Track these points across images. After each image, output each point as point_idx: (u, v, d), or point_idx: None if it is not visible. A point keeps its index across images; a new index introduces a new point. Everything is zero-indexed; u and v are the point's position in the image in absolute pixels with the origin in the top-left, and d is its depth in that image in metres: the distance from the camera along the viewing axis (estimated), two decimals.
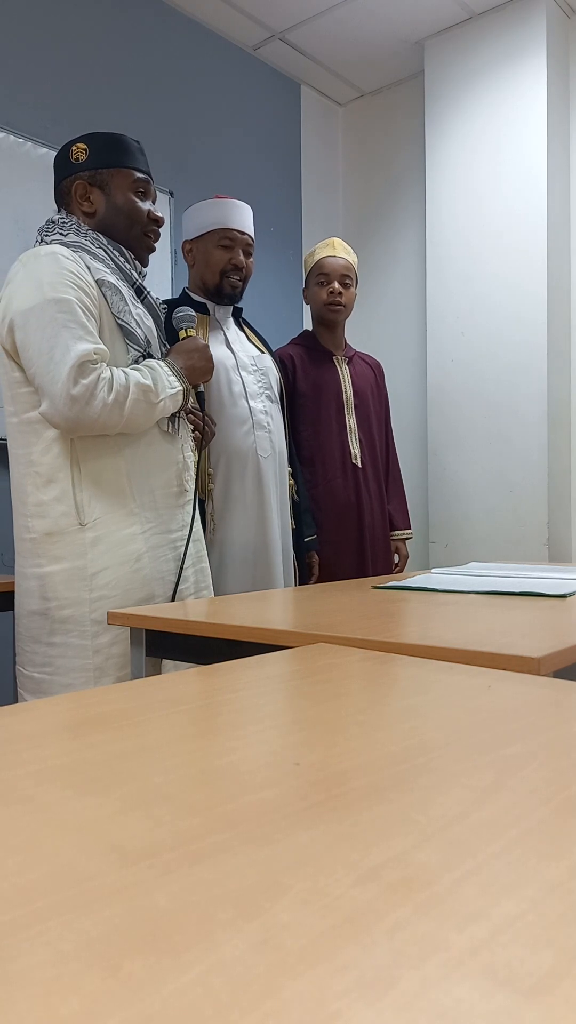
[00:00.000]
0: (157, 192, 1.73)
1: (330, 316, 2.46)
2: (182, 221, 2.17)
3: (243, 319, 2.22)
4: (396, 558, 2.63)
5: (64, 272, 1.46)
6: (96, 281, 1.50)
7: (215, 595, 2.00)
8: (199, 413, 1.78)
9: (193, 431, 1.79)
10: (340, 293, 2.44)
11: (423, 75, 3.43)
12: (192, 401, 1.71)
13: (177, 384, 1.58)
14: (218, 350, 2.06)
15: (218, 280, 2.08)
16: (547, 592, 1.32)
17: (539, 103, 3.04)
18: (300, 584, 2.23)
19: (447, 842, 0.38)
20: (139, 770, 0.49)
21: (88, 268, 1.50)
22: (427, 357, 3.37)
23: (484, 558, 3.14)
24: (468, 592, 1.37)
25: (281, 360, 2.42)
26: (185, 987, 0.26)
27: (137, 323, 1.56)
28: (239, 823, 0.40)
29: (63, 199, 1.64)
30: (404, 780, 0.46)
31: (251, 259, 2.12)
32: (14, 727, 0.59)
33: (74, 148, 1.63)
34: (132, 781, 0.47)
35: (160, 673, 1.52)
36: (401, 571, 2.63)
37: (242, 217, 2.10)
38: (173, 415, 1.62)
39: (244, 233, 2.10)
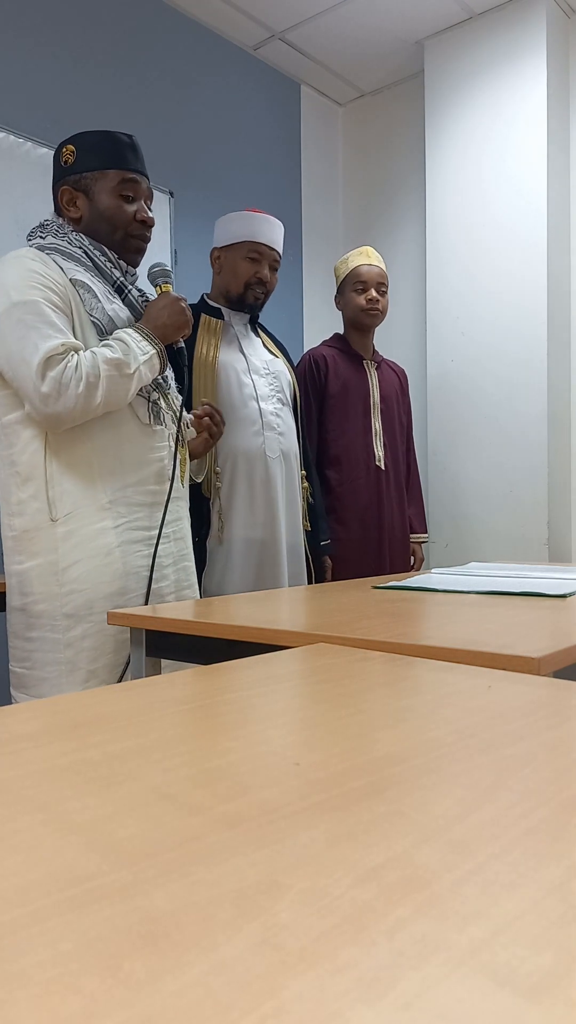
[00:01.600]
0: (153, 190, 1.70)
1: (368, 321, 2.56)
2: (214, 228, 2.21)
3: (259, 324, 2.25)
4: (412, 560, 2.71)
5: (29, 273, 1.47)
6: (70, 280, 1.51)
7: (222, 594, 2.01)
8: (209, 412, 1.77)
9: (204, 428, 1.79)
10: (378, 300, 2.55)
11: (423, 75, 3.43)
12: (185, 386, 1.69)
13: (149, 348, 1.55)
14: (230, 354, 2.10)
15: (242, 291, 2.13)
16: (547, 592, 1.32)
17: (539, 103, 3.04)
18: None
19: (447, 842, 0.38)
20: (139, 770, 0.49)
21: (61, 268, 1.51)
22: (427, 357, 3.37)
23: (484, 558, 3.14)
24: (468, 592, 1.37)
25: (315, 360, 2.51)
26: (185, 987, 0.26)
27: (111, 318, 1.55)
28: (239, 823, 0.40)
29: (55, 202, 1.65)
30: (404, 780, 0.46)
31: (275, 275, 2.17)
32: (14, 727, 0.59)
33: (64, 151, 1.62)
34: (132, 781, 0.47)
35: (160, 673, 1.52)
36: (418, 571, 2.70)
37: (273, 233, 2.15)
38: (156, 408, 1.60)
39: (273, 249, 2.14)
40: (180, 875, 0.35)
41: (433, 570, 1.88)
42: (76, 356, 1.46)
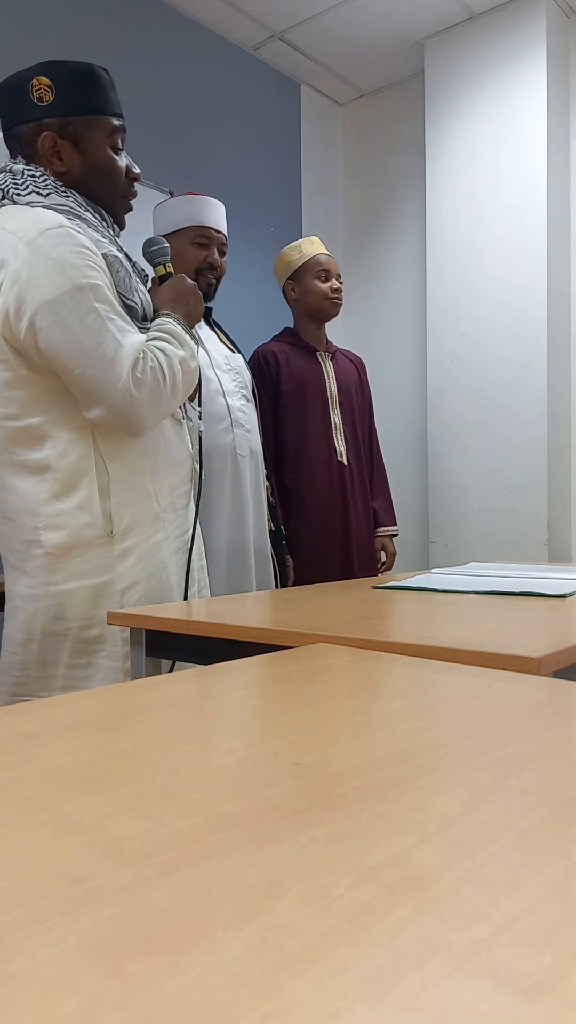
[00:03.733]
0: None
1: (331, 310, 2.46)
2: (153, 216, 2.11)
3: (212, 320, 2.17)
4: (382, 556, 2.59)
5: (82, 250, 1.25)
6: (103, 255, 1.31)
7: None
8: None
9: None
10: (340, 288, 2.46)
11: (423, 75, 3.43)
12: None
13: (191, 344, 1.41)
14: None
15: (193, 278, 2.02)
16: (547, 592, 1.32)
17: (539, 103, 3.04)
18: (280, 587, 2.20)
19: (447, 842, 0.38)
20: (139, 770, 0.49)
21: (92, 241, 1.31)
22: (427, 357, 3.37)
23: (484, 558, 3.14)
24: (468, 592, 1.37)
25: (265, 357, 2.40)
26: (185, 987, 0.26)
27: (143, 300, 1.41)
28: (239, 823, 0.40)
29: (23, 147, 1.36)
30: (404, 780, 0.46)
31: (224, 258, 2.09)
32: (14, 727, 0.59)
33: (35, 83, 1.32)
34: (132, 781, 0.47)
35: (160, 673, 1.52)
36: (389, 568, 2.62)
37: (218, 215, 2.07)
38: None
39: (219, 232, 2.07)
40: (180, 875, 0.35)
41: (433, 570, 1.88)
42: (153, 356, 1.31)
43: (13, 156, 1.38)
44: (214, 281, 2.07)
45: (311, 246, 2.48)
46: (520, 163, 3.08)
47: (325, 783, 0.46)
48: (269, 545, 2.13)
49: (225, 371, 2.05)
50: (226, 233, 2.10)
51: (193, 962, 0.28)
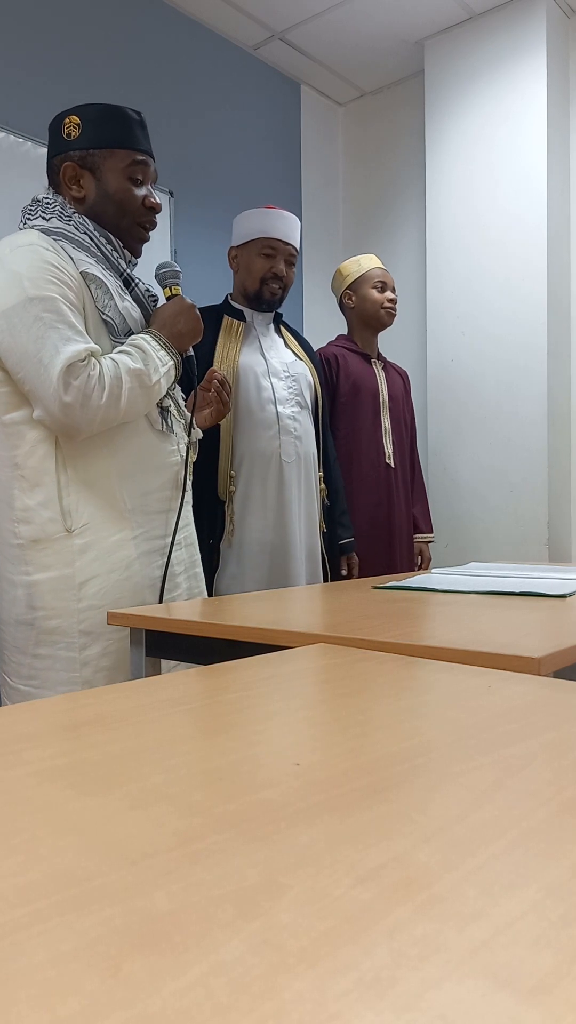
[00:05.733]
0: (157, 177, 1.61)
1: (386, 319, 2.60)
2: (232, 227, 2.22)
3: (283, 323, 2.26)
4: (419, 560, 2.71)
5: (45, 265, 1.36)
6: (81, 273, 1.41)
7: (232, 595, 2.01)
8: (218, 383, 1.73)
9: (209, 403, 1.74)
10: (395, 300, 2.61)
11: (423, 75, 3.43)
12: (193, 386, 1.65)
13: (168, 359, 1.49)
14: (251, 357, 2.10)
15: (258, 287, 2.13)
16: (547, 592, 1.32)
17: (539, 103, 3.04)
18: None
19: (447, 842, 0.38)
20: (139, 770, 0.49)
21: (71, 259, 1.41)
22: (427, 357, 3.37)
23: (484, 558, 3.14)
24: (468, 592, 1.37)
25: (325, 358, 2.51)
26: (185, 987, 0.26)
27: (124, 317, 1.48)
28: (239, 823, 0.40)
29: (53, 177, 1.52)
30: (404, 780, 0.46)
31: (292, 269, 2.17)
32: (14, 727, 0.59)
33: (66, 121, 1.49)
34: (132, 781, 0.47)
35: (160, 673, 1.52)
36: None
37: (287, 228, 2.15)
38: (166, 413, 1.55)
39: (288, 244, 2.14)
40: (180, 875, 0.35)
41: (433, 570, 1.88)
42: (98, 364, 1.38)
43: (48, 186, 1.55)
44: (279, 291, 2.15)
45: (369, 260, 2.62)
46: (520, 163, 3.08)
47: (325, 783, 0.46)
48: (320, 545, 2.21)
49: (282, 379, 2.13)
50: (296, 245, 2.17)
51: (193, 962, 0.28)
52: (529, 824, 0.40)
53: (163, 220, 2.98)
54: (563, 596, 1.30)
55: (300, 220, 3.67)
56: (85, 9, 2.78)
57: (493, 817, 0.41)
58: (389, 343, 3.67)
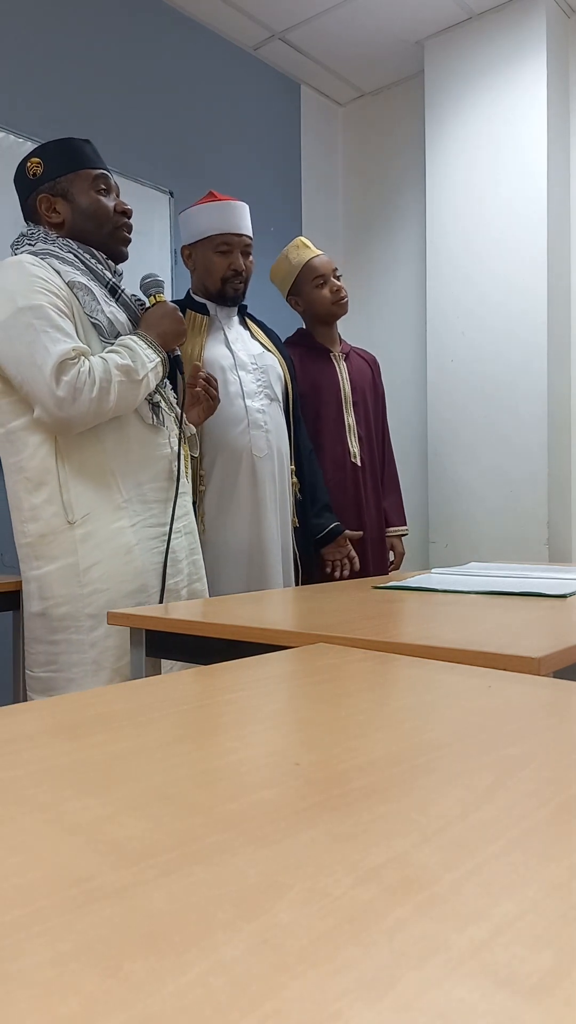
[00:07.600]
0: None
1: (340, 311, 2.46)
2: (179, 224, 2.16)
3: (248, 315, 2.20)
4: (391, 555, 2.59)
5: (32, 278, 1.49)
6: (67, 283, 1.53)
7: (209, 596, 1.99)
8: (203, 380, 1.78)
9: (197, 400, 1.79)
10: (341, 288, 2.45)
11: (423, 75, 3.43)
12: (181, 380, 1.72)
13: (154, 356, 1.60)
14: (217, 350, 2.05)
15: (220, 286, 2.08)
16: (547, 592, 1.32)
17: (539, 103, 3.04)
18: (303, 583, 2.20)
19: (447, 842, 0.38)
20: (139, 770, 0.49)
21: (58, 272, 1.54)
22: (427, 357, 3.37)
23: (484, 558, 3.14)
24: (468, 592, 1.37)
25: None
26: (185, 987, 0.26)
27: (111, 320, 1.59)
28: (239, 823, 0.40)
29: (32, 215, 1.67)
30: (404, 780, 0.46)
31: (250, 258, 2.12)
32: (14, 727, 0.59)
33: (29, 164, 1.65)
34: (132, 781, 0.47)
35: (160, 673, 1.53)
36: (397, 568, 2.62)
37: (238, 219, 2.09)
38: (157, 408, 1.64)
39: (241, 235, 2.09)
40: (180, 875, 0.35)
41: (433, 570, 1.88)
42: (87, 361, 1.49)
43: (27, 224, 1.70)
44: (240, 285, 2.10)
45: (298, 252, 2.45)
46: (520, 163, 3.08)
47: (325, 783, 0.46)
48: (292, 542, 2.14)
49: (249, 371, 2.07)
50: (249, 233, 2.11)
51: (193, 962, 0.28)
52: (529, 824, 0.40)
53: (163, 220, 2.97)
54: (563, 596, 1.30)
55: (300, 220, 3.67)
56: (85, 9, 2.78)
57: (493, 817, 0.41)
58: (389, 343, 3.67)
